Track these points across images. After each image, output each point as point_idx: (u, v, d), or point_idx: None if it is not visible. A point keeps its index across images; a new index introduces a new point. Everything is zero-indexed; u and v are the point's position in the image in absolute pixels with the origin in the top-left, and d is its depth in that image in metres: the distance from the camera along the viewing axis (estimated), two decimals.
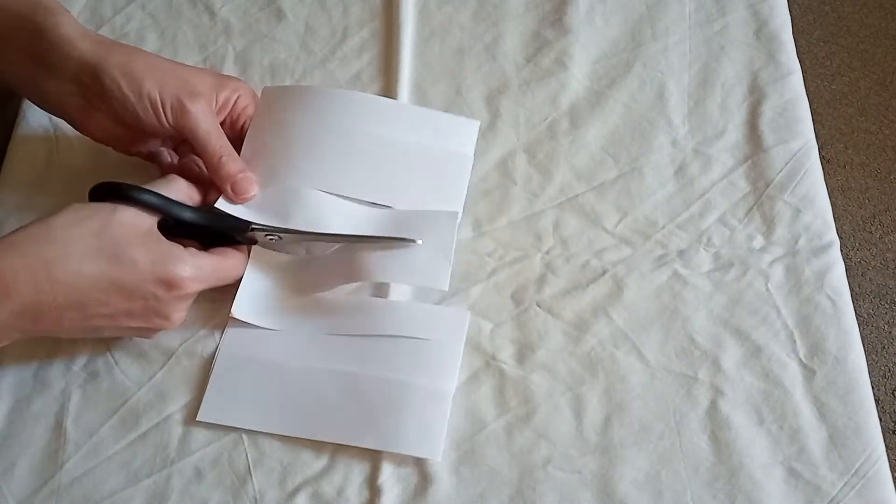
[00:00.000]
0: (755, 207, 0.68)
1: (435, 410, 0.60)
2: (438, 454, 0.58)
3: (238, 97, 0.67)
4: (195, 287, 0.60)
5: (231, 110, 0.67)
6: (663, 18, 0.78)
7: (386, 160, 0.68)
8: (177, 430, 0.61)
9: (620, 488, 0.58)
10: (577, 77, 0.75)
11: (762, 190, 0.69)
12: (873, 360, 1.43)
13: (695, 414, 0.60)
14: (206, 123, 0.64)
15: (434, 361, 0.62)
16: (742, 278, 0.65)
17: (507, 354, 0.63)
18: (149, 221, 0.59)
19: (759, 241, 0.67)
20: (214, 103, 0.66)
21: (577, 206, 0.69)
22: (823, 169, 0.70)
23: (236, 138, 0.68)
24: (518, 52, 0.77)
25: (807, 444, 0.59)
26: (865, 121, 1.68)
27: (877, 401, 0.90)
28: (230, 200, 0.65)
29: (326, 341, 0.63)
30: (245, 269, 0.64)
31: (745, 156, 0.71)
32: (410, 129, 0.69)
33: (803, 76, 0.75)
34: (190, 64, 0.70)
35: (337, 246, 0.65)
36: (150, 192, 0.60)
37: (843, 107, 1.70)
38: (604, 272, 0.66)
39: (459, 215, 0.66)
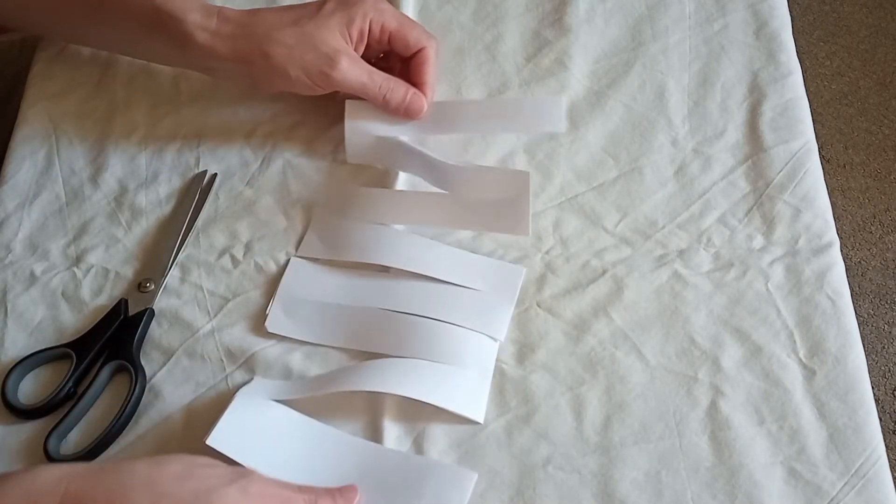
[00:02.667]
0: (755, 207, 0.68)
1: (482, 365, 0.62)
2: (482, 417, 0.60)
3: (370, 21, 0.69)
4: None
5: (370, 35, 0.69)
6: (663, 18, 0.78)
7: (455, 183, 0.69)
8: (177, 430, 0.61)
9: (620, 488, 0.58)
10: (577, 77, 0.75)
11: (762, 190, 0.69)
12: (873, 360, 1.42)
13: (695, 414, 0.60)
14: (354, 78, 0.68)
15: (486, 312, 0.63)
16: (742, 278, 0.65)
17: (507, 354, 0.63)
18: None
19: (759, 241, 0.67)
20: (351, 42, 0.68)
21: (577, 206, 0.69)
22: (823, 169, 0.70)
23: (387, 51, 0.72)
24: (518, 52, 0.77)
25: (807, 444, 0.59)
26: (865, 121, 1.68)
27: (877, 401, 0.90)
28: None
29: (382, 284, 0.65)
30: None
31: (745, 156, 0.71)
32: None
33: (803, 76, 0.75)
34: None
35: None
36: None
37: (843, 107, 1.70)
38: (604, 272, 0.66)
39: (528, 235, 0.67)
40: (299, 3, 0.70)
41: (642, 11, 0.79)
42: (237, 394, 0.60)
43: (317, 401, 0.61)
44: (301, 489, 0.55)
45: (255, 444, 0.58)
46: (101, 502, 0.49)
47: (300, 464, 0.58)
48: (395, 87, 0.69)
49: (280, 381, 0.62)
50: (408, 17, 0.72)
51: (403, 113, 0.70)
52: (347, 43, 0.68)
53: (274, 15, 0.68)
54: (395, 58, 0.73)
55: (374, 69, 0.69)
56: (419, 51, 0.71)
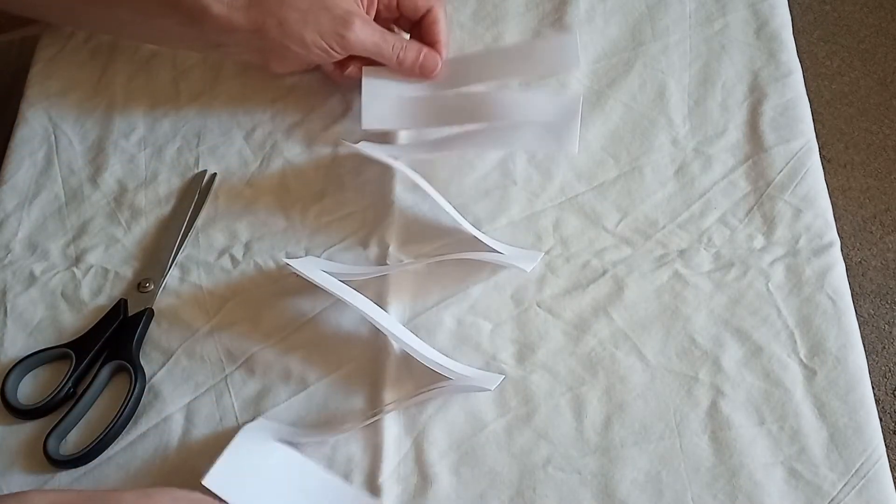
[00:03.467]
0: (756, 207, 0.68)
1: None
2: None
3: None
4: None
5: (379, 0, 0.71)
6: (663, 18, 0.78)
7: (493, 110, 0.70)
8: (177, 430, 0.61)
9: (620, 488, 0.58)
10: (577, 77, 0.75)
11: (763, 190, 0.69)
12: (873, 360, 1.43)
13: (695, 414, 0.60)
14: (369, 38, 0.69)
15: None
16: (742, 278, 0.65)
17: (507, 354, 0.63)
18: None
19: (759, 241, 0.67)
20: (363, 6, 0.69)
21: (577, 205, 0.69)
22: (824, 169, 0.70)
23: (395, 17, 0.73)
24: None
25: (807, 444, 0.59)
26: (865, 121, 1.68)
27: (877, 401, 0.90)
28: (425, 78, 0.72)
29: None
30: None
31: (745, 155, 0.71)
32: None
33: (803, 76, 0.75)
34: None
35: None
36: None
37: (843, 106, 1.70)
38: (604, 272, 0.66)
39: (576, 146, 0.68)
40: None
41: (642, 11, 0.79)
42: (239, 432, 0.58)
43: (317, 394, 0.61)
44: None
45: (252, 487, 0.56)
46: None
47: None
48: (408, 47, 0.70)
49: (285, 425, 0.60)
50: None
51: (419, 72, 0.71)
52: (359, 5, 0.69)
53: None
54: (405, 24, 0.74)
55: (386, 31, 0.70)
56: (428, 11, 0.72)
